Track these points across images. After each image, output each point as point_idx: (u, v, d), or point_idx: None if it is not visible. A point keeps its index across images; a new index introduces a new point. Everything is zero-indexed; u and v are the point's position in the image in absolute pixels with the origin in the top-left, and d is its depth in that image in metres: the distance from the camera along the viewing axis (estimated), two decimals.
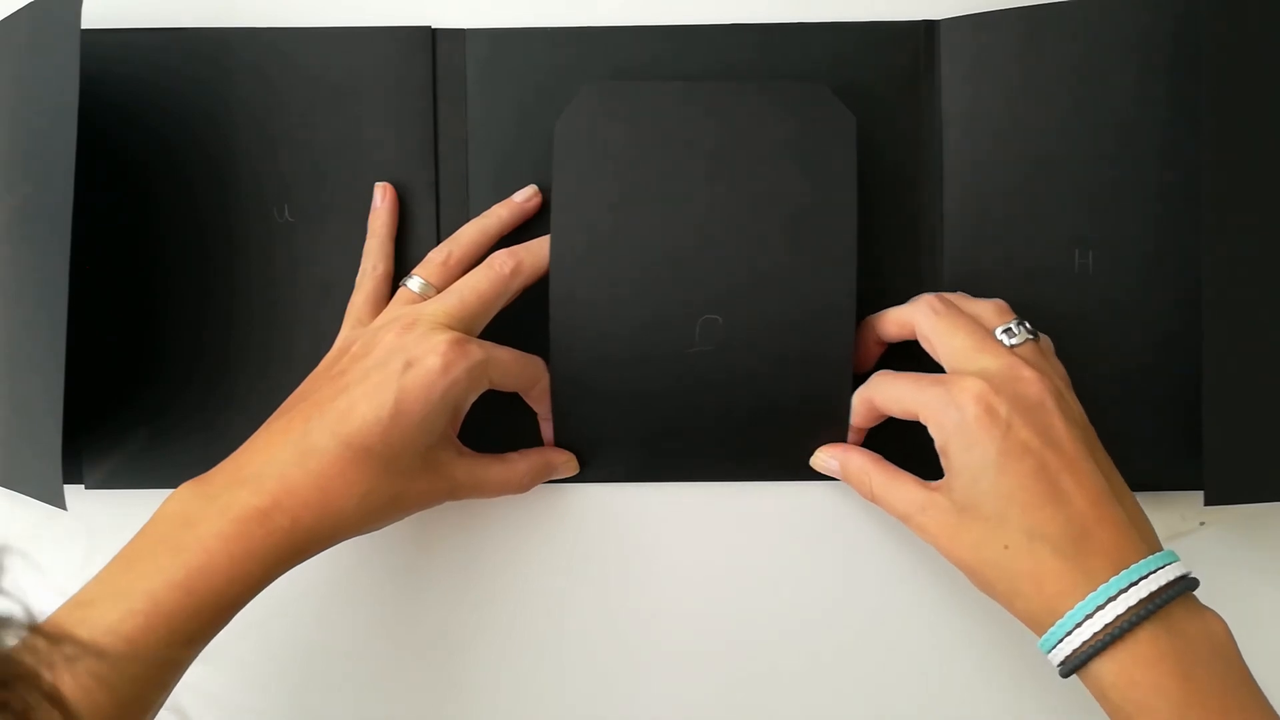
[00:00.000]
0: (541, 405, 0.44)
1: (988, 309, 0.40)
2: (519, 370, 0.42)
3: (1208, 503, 0.39)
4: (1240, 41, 0.39)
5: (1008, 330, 0.39)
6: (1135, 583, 0.34)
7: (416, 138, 0.45)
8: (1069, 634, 0.35)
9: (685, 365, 0.43)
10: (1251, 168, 0.40)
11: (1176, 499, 0.44)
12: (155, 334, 0.45)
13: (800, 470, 0.44)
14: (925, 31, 0.45)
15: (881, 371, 0.41)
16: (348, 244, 0.45)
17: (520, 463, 0.43)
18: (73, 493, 0.44)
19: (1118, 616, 0.34)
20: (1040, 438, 0.36)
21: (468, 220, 0.44)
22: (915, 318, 0.40)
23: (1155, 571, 0.34)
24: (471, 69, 0.45)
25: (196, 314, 0.45)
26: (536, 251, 0.42)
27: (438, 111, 0.45)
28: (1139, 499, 0.45)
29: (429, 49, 0.45)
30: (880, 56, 0.45)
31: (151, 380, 0.45)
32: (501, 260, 0.42)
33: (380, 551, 0.46)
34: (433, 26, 0.45)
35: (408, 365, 0.38)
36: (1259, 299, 0.40)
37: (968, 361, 0.38)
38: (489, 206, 0.45)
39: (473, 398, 0.40)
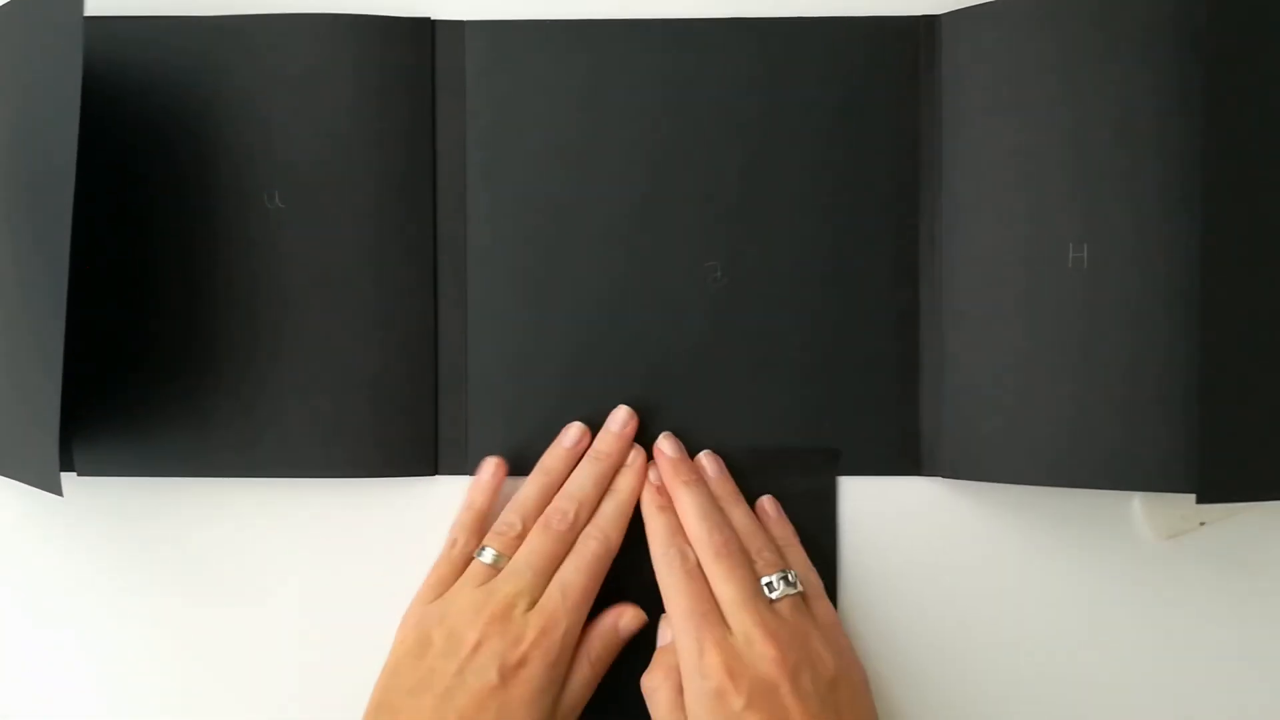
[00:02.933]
0: None
1: (760, 547, 0.42)
2: (600, 576, 0.42)
3: (1200, 501, 0.39)
4: (1239, 36, 0.39)
5: (768, 584, 0.40)
6: None
7: (414, 129, 0.45)
8: None
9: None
10: (1249, 164, 0.39)
11: (1176, 499, 0.44)
12: (147, 320, 0.45)
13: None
14: (926, 27, 0.44)
15: (678, 550, 0.42)
16: (338, 232, 0.45)
17: (582, 661, 0.42)
18: (65, 480, 0.44)
19: None
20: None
21: (465, 216, 0.45)
22: (699, 545, 0.41)
23: None
24: (470, 61, 0.45)
25: (187, 300, 0.45)
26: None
27: (436, 103, 0.45)
28: (1137, 499, 0.44)
29: (428, 40, 0.45)
30: (881, 52, 0.45)
31: (144, 367, 0.45)
32: (558, 519, 0.42)
33: (383, 578, 0.46)
34: (432, 18, 0.45)
35: (503, 670, 0.39)
36: (1255, 296, 0.39)
37: (730, 613, 0.40)
38: (485, 200, 0.45)
39: (572, 646, 0.41)
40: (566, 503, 0.43)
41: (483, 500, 0.44)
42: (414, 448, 0.45)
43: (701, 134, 0.45)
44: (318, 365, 0.44)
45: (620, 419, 0.44)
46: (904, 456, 0.45)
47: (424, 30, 0.45)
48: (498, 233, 0.45)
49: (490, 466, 0.44)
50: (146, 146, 0.45)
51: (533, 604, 0.40)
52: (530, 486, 0.44)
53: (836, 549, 0.45)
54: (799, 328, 0.45)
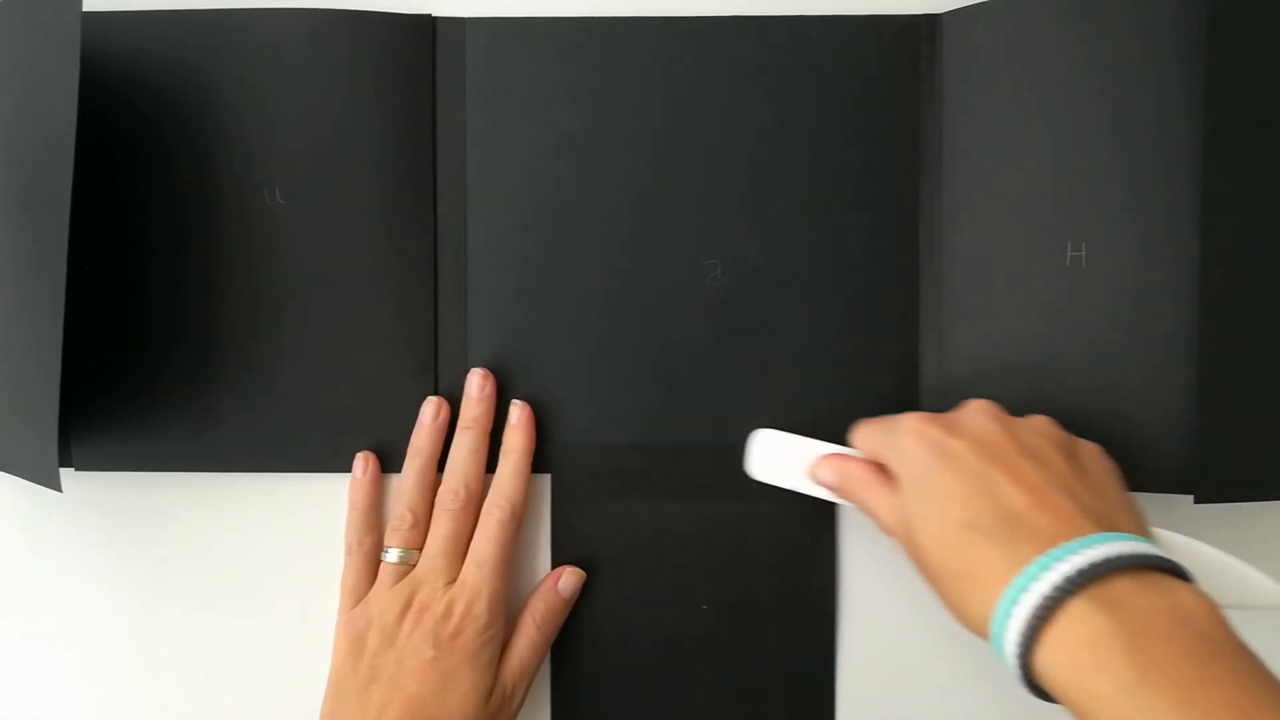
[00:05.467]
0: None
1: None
2: (512, 541, 0.43)
3: (1198, 501, 0.39)
4: (1240, 35, 0.39)
5: None
6: (1066, 559, 0.31)
7: (414, 126, 0.45)
8: (1005, 629, 0.31)
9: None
10: (1248, 163, 0.39)
11: (1175, 499, 0.44)
12: (146, 315, 0.45)
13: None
14: (927, 25, 0.44)
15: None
16: (338, 228, 0.45)
17: (528, 622, 0.43)
18: (63, 475, 0.44)
19: (1044, 596, 0.30)
20: (971, 447, 0.36)
21: (465, 213, 0.45)
22: None
23: (1094, 547, 0.31)
24: (471, 58, 0.45)
25: (187, 295, 0.45)
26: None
27: (436, 100, 0.45)
28: (1135, 499, 0.44)
29: (429, 37, 0.45)
30: (881, 50, 0.45)
31: (142, 362, 0.45)
32: (451, 498, 0.43)
33: None
34: (433, 15, 0.45)
35: (438, 643, 0.41)
36: (1253, 296, 0.39)
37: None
38: (485, 197, 0.45)
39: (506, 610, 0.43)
40: (453, 481, 0.43)
41: (363, 497, 0.44)
42: None
43: (701, 132, 0.45)
44: (317, 361, 0.45)
45: (476, 383, 0.44)
46: None
47: (425, 27, 0.45)
48: (498, 230, 0.45)
49: (361, 462, 0.45)
50: (146, 142, 0.45)
51: (451, 582, 0.42)
52: (407, 474, 0.44)
53: (836, 549, 0.45)
54: (799, 327, 0.45)
